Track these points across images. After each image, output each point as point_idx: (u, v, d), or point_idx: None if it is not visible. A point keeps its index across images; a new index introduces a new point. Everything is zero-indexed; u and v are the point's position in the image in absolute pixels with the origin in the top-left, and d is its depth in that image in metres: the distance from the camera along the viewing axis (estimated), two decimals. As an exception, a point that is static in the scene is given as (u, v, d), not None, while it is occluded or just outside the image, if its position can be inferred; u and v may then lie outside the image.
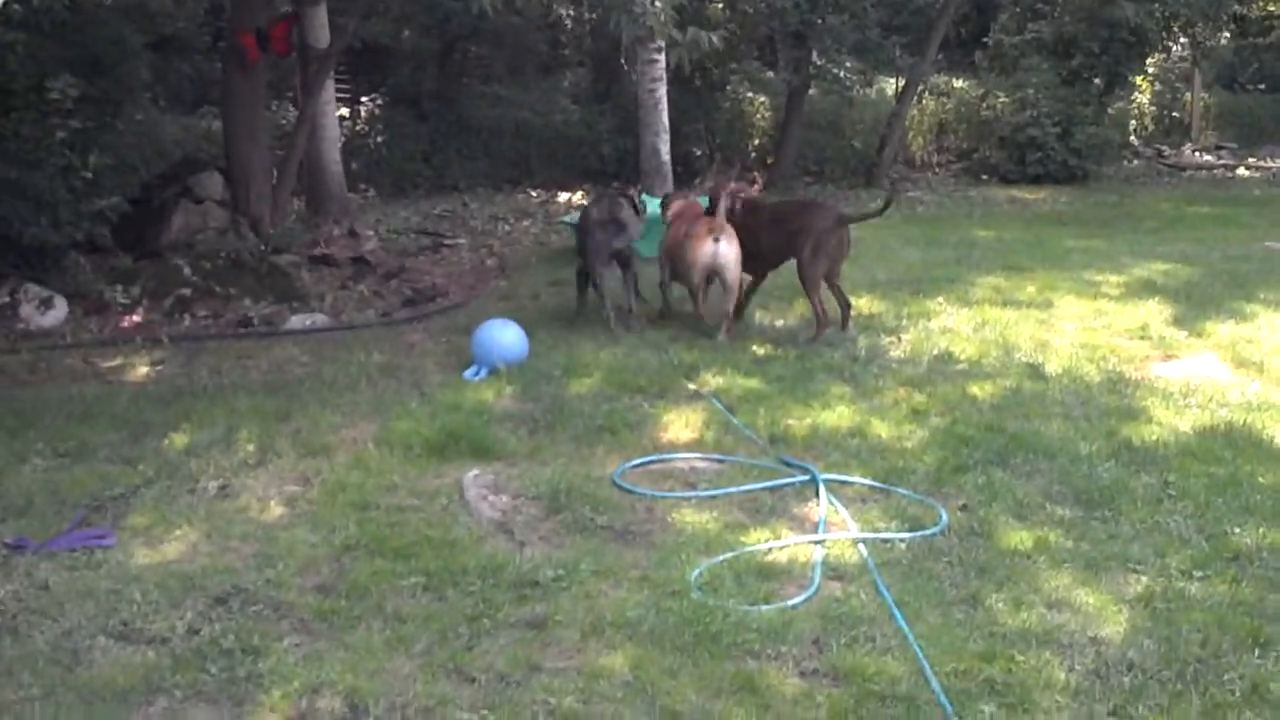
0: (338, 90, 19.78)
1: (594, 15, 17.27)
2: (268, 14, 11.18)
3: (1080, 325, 8.47)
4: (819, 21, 17.42)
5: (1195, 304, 9.02)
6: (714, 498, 5.35)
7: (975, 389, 6.90)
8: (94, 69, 11.18)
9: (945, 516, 5.07)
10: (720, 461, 5.82)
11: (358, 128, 18.60)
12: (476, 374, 7.27)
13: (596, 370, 7.28)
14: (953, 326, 8.37)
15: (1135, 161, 22.01)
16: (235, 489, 5.59)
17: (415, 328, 8.91)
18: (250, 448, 6.07)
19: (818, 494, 5.32)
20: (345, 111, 18.93)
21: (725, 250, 8.07)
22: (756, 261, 8.43)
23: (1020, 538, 4.91)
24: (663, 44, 11.57)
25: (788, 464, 5.72)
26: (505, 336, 7.40)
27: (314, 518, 5.19)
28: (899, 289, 9.63)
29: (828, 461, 5.75)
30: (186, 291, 9.43)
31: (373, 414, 6.58)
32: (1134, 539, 4.95)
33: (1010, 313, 8.76)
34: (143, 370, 7.81)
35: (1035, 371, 7.29)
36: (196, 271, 9.60)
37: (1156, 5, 19.80)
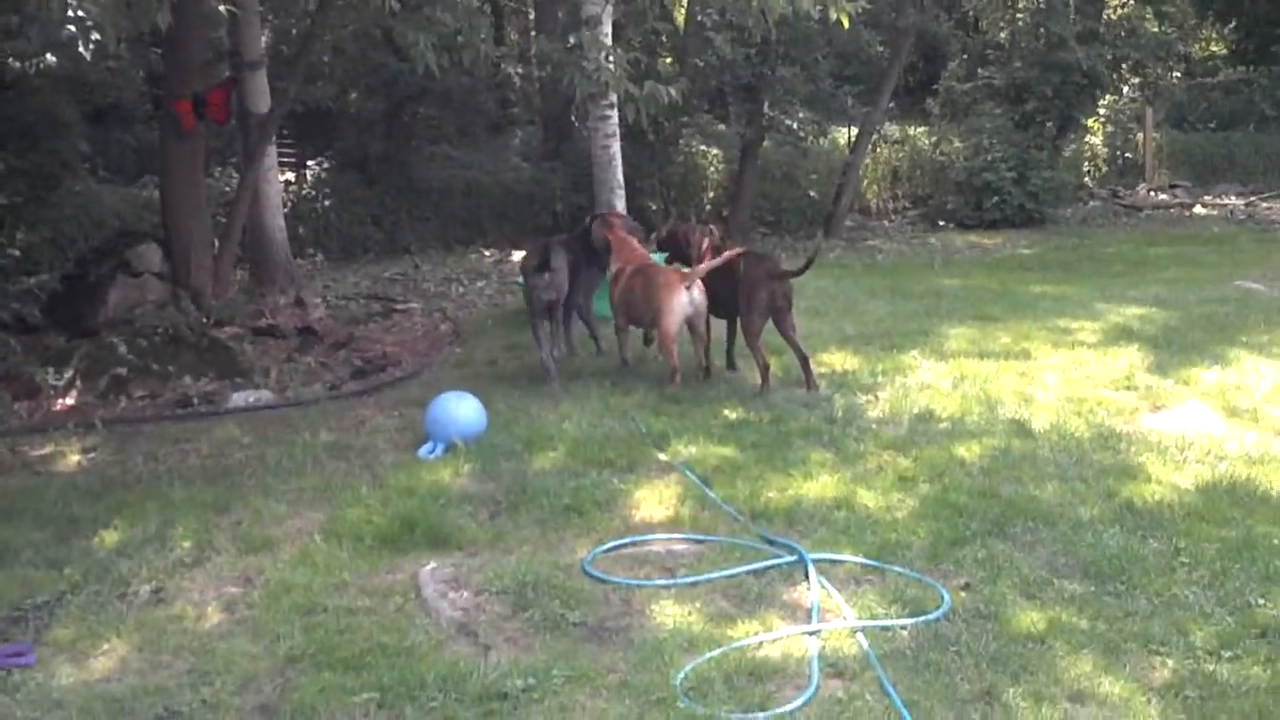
0: (282, 155, 19.37)
1: (543, 73, 16.96)
2: (204, 80, 10.74)
3: (1062, 376, 8.13)
4: (770, 73, 17.23)
5: (1177, 350, 8.72)
6: (695, 584, 4.91)
7: (962, 450, 6.51)
8: (25, 142, 10.77)
9: (948, 598, 4.67)
10: (699, 542, 5.38)
11: (304, 192, 18.16)
12: (432, 451, 6.81)
13: (560, 442, 6.84)
14: (930, 382, 8.00)
15: (1091, 203, 21.94)
16: (170, 593, 5.09)
17: (365, 401, 8.43)
18: (186, 545, 5.57)
19: (807, 576, 4.90)
20: (291, 176, 18.53)
21: (700, 299, 7.99)
22: (717, 307, 8.22)
23: (1031, 619, 4.51)
24: (615, 99, 11.27)
25: (772, 542, 5.30)
26: (461, 410, 6.94)
27: (255, 625, 4.71)
28: (870, 343, 9.28)
29: (815, 538, 5.34)
30: (122, 371, 8.89)
31: (320, 501, 6.10)
32: (1152, 615, 4.56)
33: (988, 365, 8.41)
34: (74, 459, 7.28)
35: (1022, 428, 6.92)
36: (133, 349, 9.07)
37: (1107, 48, 19.79)
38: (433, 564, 5.13)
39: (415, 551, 5.36)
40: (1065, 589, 4.80)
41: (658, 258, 8.95)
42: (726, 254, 8.06)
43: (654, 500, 5.90)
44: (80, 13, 6.71)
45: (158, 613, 4.90)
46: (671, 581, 4.92)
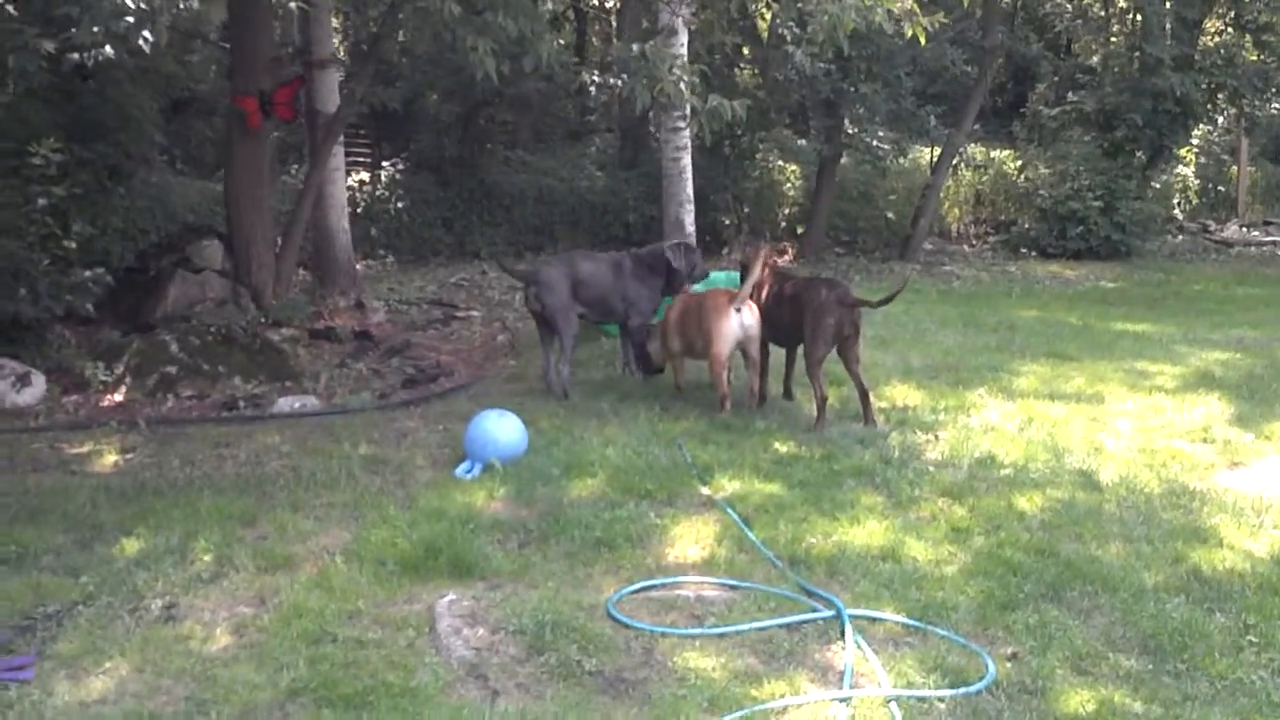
0: (359, 154, 19.46)
1: (619, 82, 16.78)
2: (273, 77, 10.67)
3: (1136, 424, 7.72)
4: (851, 90, 16.87)
5: (1260, 401, 8.27)
6: (723, 636, 4.62)
7: (1023, 501, 6.16)
8: (93, 133, 10.73)
9: (993, 667, 4.34)
10: (732, 588, 5.09)
11: (378, 193, 18.15)
12: (469, 471, 6.60)
13: (600, 469, 6.59)
14: (995, 423, 7.64)
15: (1180, 237, 21.30)
16: (181, 610, 4.92)
17: (411, 412, 8.26)
18: (206, 558, 5.41)
19: (843, 635, 4.59)
20: (365, 176, 18.54)
21: (750, 322, 7.76)
22: (779, 334, 7.96)
23: (1081, 698, 4.17)
24: (686, 112, 11.03)
25: (810, 593, 5.00)
26: (502, 430, 6.73)
27: (262, 651, 4.51)
28: (936, 378, 8.92)
29: (856, 591, 5.02)
30: (172, 369, 8.83)
31: (347, 519, 5.91)
32: (1213, 700, 4.20)
33: (1058, 408, 8.03)
34: (110, 459, 7.18)
35: (1089, 480, 6.55)
36: (184, 348, 9.00)
37: (1202, 76, 19.17)
38: (451, 595, 4.90)
39: (436, 580, 5.14)
40: (1121, 665, 4.45)
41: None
42: (756, 270, 7.76)
43: (690, 538, 5.63)
44: (139, 3, 6.60)
45: (166, 631, 4.73)
46: (698, 631, 4.64)
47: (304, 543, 5.60)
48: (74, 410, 8.42)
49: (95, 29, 6.71)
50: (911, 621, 4.74)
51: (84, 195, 10.01)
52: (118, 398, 8.64)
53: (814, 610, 4.82)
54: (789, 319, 7.79)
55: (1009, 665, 4.42)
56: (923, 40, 7.99)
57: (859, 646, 4.52)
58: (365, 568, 5.23)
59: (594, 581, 5.15)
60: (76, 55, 9.10)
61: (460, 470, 6.62)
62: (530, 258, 17.68)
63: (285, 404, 8.35)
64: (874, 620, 4.76)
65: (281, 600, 4.95)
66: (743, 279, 8.20)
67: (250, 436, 7.64)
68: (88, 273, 8.95)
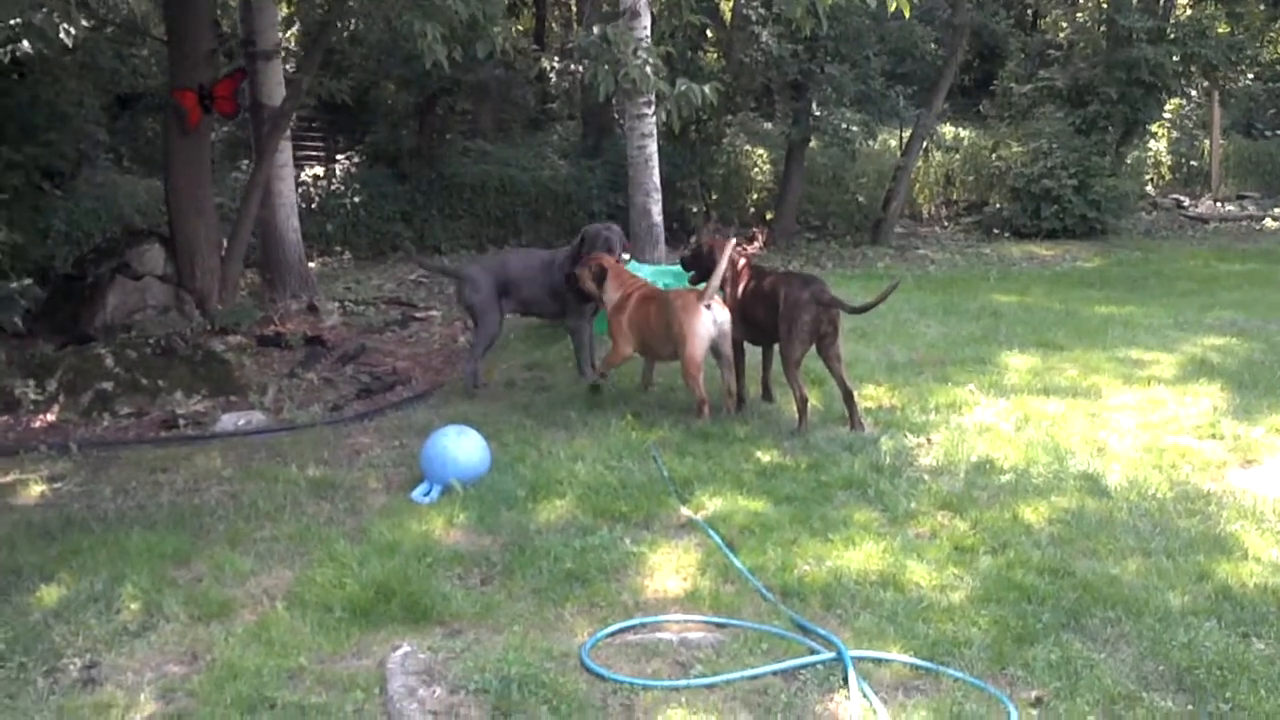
0: (312, 148, 18.83)
1: (581, 68, 16.23)
2: (211, 71, 10.05)
3: (1138, 420, 7.27)
4: (818, 71, 16.41)
5: (1264, 390, 7.84)
6: (712, 687, 4.11)
7: (1028, 512, 5.68)
8: (23, 134, 10.13)
9: (1016, 716, 3.85)
10: (720, 626, 4.58)
11: (333, 187, 17.55)
12: (427, 494, 6.06)
13: (570, 489, 6.06)
14: (990, 423, 7.16)
15: (1155, 213, 20.98)
16: (103, 671, 4.36)
17: (365, 426, 7.70)
18: (134, 607, 4.85)
19: (846, 681, 4.09)
20: (320, 170, 17.93)
21: (722, 319, 7.28)
22: (754, 333, 7.48)
23: (1120, 753, 3.69)
24: (652, 98, 10.50)
25: (806, 630, 4.49)
26: (461, 449, 6.18)
27: (190, 722, 3.97)
28: (921, 373, 8.45)
29: (855, 627, 4.52)
30: (108, 386, 8.24)
31: (291, 556, 5.35)
32: (1265, 747, 3.73)
33: (1054, 404, 7.57)
34: (36, 490, 6.59)
35: (1095, 485, 6.07)
36: (121, 362, 8.41)
37: (1175, 47, 18.80)
38: (405, 646, 4.36)
39: (389, 626, 4.61)
40: (1158, 706, 3.96)
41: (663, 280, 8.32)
42: (723, 262, 7.23)
43: (670, 568, 5.11)
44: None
45: (83, 699, 4.17)
46: (684, 683, 4.12)
47: (242, 585, 5.05)
48: (2, 433, 7.82)
49: (5, 20, 6.15)
50: (922, 662, 4.23)
51: (13, 200, 9.40)
52: (50, 418, 8.06)
53: (812, 652, 4.31)
54: (764, 317, 7.31)
55: (1034, 712, 3.93)
56: (906, 13, 7.50)
57: (864, 695, 4.02)
58: (309, 614, 4.68)
59: (565, 623, 4.63)
60: (-2, 50, 8.59)
61: (417, 493, 6.08)
62: (493, 251, 17.15)
63: (229, 421, 7.78)
64: (879, 662, 4.26)
65: (215, 657, 4.40)
66: (700, 270, 7.69)
67: (190, 459, 7.07)
68: (14, 284, 8.32)
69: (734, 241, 7.54)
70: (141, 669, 4.38)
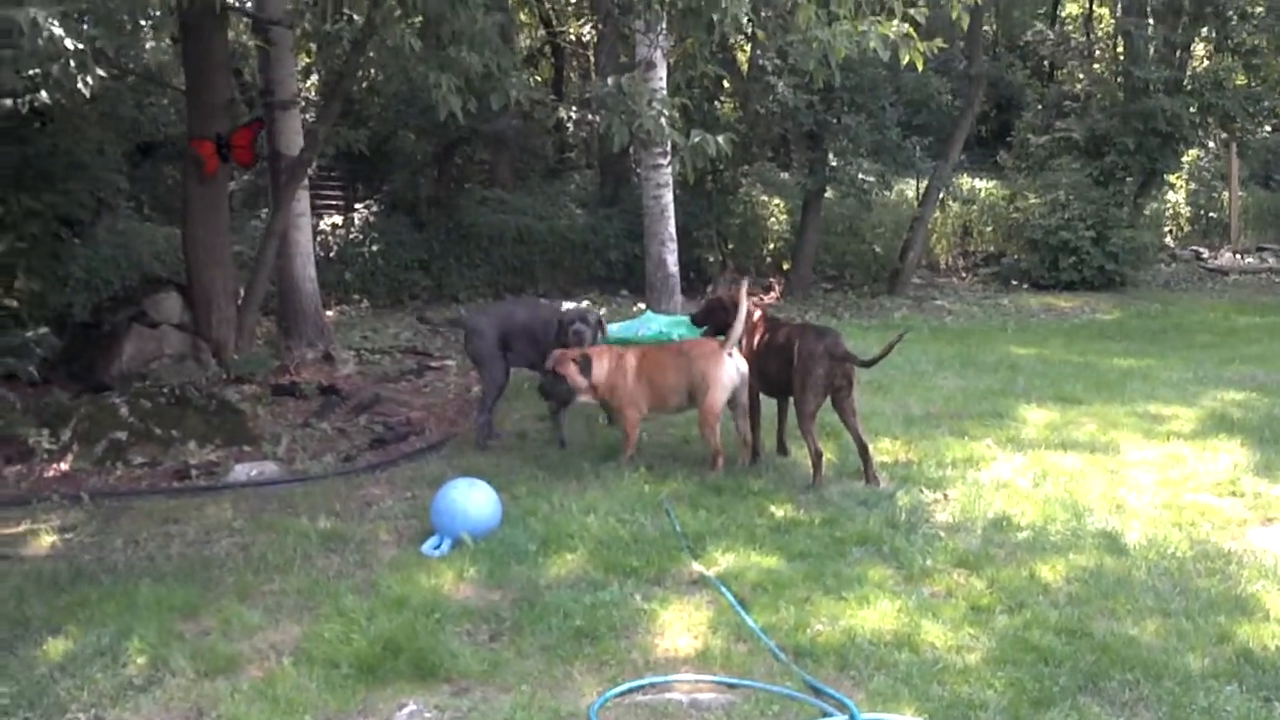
0: (330, 197, 18.93)
1: (598, 118, 16.32)
2: (229, 120, 10.12)
3: (1157, 476, 7.19)
4: (834, 121, 16.45)
5: (1286, 446, 7.76)
6: (722, 749, 4.05)
7: (1045, 570, 5.60)
8: (42, 182, 10.20)
9: (1031, 784, 3.78)
10: (730, 687, 4.51)
11: (351, 236, 17.60)
12: (437, 548, 6.02)
13: (581, 543, 6.00)
14: (1007, 479, 7.09)
15: (1173, 265, 20.91)
16: (107, 728, 4.32)
17: (378, 477, 7.66)
18: (140, 661, 4.80)
19: (859, 745, 4.02)
20: (338, 219, 18.01)
21: (743, 368, 7.33)
22: (768, 385, 7.47)
23: (1139, 823, 3.61)
24: (668, 148, 10.53)
25: (818, 692, 4.42)
26: (472, 502, 6.14)
27: (192, 782, 3.92)
28: (938, 426, 8.39)
29: (870, 689, 4.44)
30: (122, 435, 8.20)
31: (299, 610, 5.31)
32: (1289, 818, 3.64)
33: (1072, 459, 7.49)
34: (47, 540, 6.56)
35: (1114, 543, 5.99)
36: (135, 411, 8.39)
37: (1192, 98, 18.81)
38: (411, 705, 4.31)
39: (396, 683, 4.55)
40: (1178, 774, 3.89)
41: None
42: (743, 309, 7.21)
43: (681, 625, 5.05)
44: (68, 43, 6.06)
45: (85, 756, 4.13)
46: (694, 746, 4.06)
47: (249, 639, 5.00)
48: (15, 482, 7.80)
49: (22, 73, 6.19)
50: (935, 727, 4.17)
51: (31, 248, 9.45)
52: (63, 467, 8.03)
53: (824, 715, 4.24)
54: (777, 370, 7.28)
55: (1051, 780, 3.86)
56: (920, 66, 7.49)
57: (878, 759, 3.94)
58: (315, 671, 4.63)
59: (574, 682, 4.56)
60: (9, 101, 8.65)
61: (428, 547, 6.04)
62: (511, 299, 17.18)
63: (241, 472, 7.75)
64: (893, 726, 4.19)
65: (220, 714, 4.35)
66: (713, 326, 7.67)
67: (201, 510, 7.04)
68: (30, 333, 8.33)
69: (746, 286, 7.51)
70: (146, 726, 4.34)
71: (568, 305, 8.44)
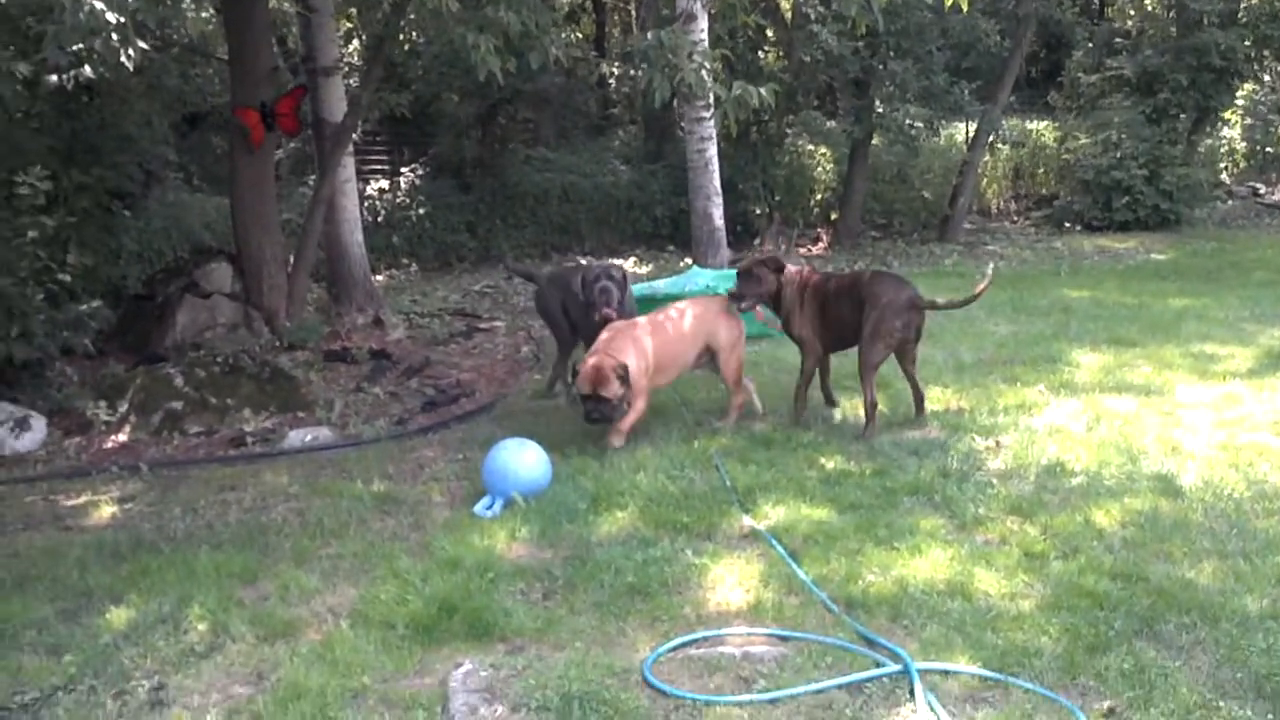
0: (377, 161, 19.00)
1: (639, 73, 16.22)
2: (273, 88, 10.16)
3: (1213, 417, 7.10)
4: (881, 67, 16.24)
5: (1346, 383, 7.62)
6: (775, 702, 4.05)
7: (1100, 515, 5.56)
8: (91, 156, 10.30)
9: (1088, 730, 3.76)
10: (783, 639, 4.52)
11: (398, 200, 17.68)
12: (489, 508, 6.06)
13: (631, 500, 6.02)
14: (1060, 424, 7.03)
15: (1230, 202, 20.50)
16: (170, 692, 4.39)
17: (430, 440, 7.74)
18: (201, 627, 4.89)
19: (913, 694, 4.02)
20: (385, 184, 18.07)
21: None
22: (836, 336, 7.30)
23: (1196, 766, 3.58)
24: (710, 101, 10.45)
25: (871, 643, 4.42)
26: (522, 462, 6.17)
27: (254, 744, 3.99)
28: (990, 373, 8.32)
29: (922, 638, 4.44)
30: (177, 405, 8.34)
31: (356, 573, 5.38)
32: (1351, 758, 3.60)
33: (1126, 402, 7.41)
34: (107, 511, 6.68)
35: (1169, 486, 5.93)
36: (190, 381, 8.52)
37: (1247, 30, 18.37)
38: (467, 664, 4.35)
39: (452, 643, 4.60)
40: (1235, 715, 3.85)
41: None
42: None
43: (733, 580, 5.06)
44: (110, 16, 6.09)
45: (151, 720, 4.22)
46: (747, 698, 4.06)
47: (307, 604, 5.07)
48: (75, 454, 7.94)
49: (65, 48, 6.24)
50: (990, 673, 4.15)
51: (82, 222, 9.56)
52: (121, 438, 8.17)
53: (877, 665, 4.24)
54: (849, 316, 7.13)
55: (1107, 725, 3.84)
56: (964, 8, 7.37)
57: (931, 708, 3.94)
58: (373, 633, 4.69)
59: (627, 638, 4.59)
60: (55, 77, 8.73)
61: (480, 508, 6.08)
62: (556, 259, 17.20)
63: (296, 437, 7.84)
64: (947, 674, 4.18)
65: (280, 678, 4.42)
66: (753, 293, 7.45)
67: (258, 476, 7.14)
68: (84, 307, 8.45)
69: (761, 256, 7.38)
70: (208, 690, 4.41)
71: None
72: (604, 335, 7.05)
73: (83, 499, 6.93)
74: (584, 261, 16.61)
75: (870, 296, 6.97)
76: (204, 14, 14.56)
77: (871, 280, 7.13)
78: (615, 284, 7.62)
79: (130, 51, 6.35)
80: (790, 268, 7.38)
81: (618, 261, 12.41)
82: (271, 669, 4.52)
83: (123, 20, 6.21)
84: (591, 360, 6.78)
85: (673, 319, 7.32)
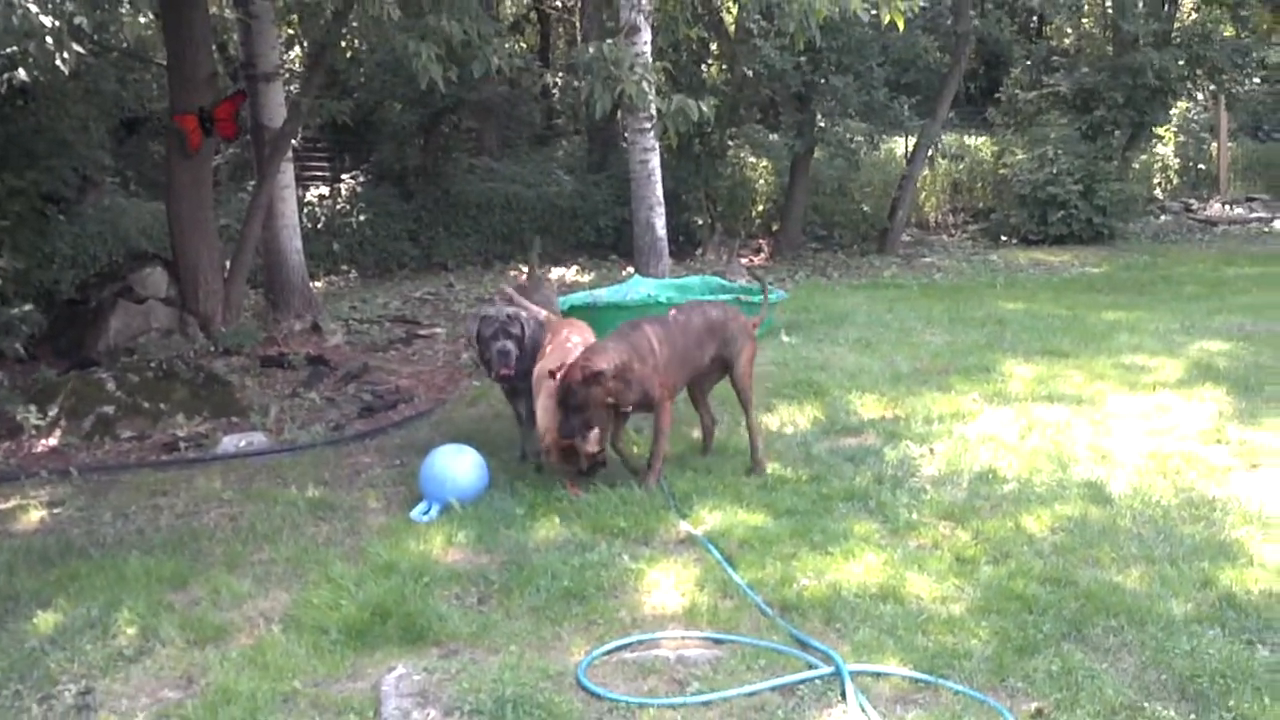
0: (317, 168, 18.86)
1: (583, 84, 16.22)
2: (212, 94, 10.07)
3: (1142, 426, 7.22)
4: (822, 82, 16.37)
5: (1270, 396, 7.80)
6: (709, 704, 4.06)
7: (1030, 521, 5.64)
8: (24, 160, 10.17)
9: (1015, 730, 3.81)
10: (718, 642, 4.54)
11: (339, 207, 17.56)
12: (426, 513, 6.04)
13: (568, 505, 6.02)
14: (993, 432, 7.12)
15: (1163, 217, 20.88)
16: (98, 698, 4.34)
17: (366, 445, 7.69)
18: (130, 632, 4.83)
19: (844, 695, 4.05)
20: (325, 190, 17.95)
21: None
22: None
23: (1120, 764, 3.64)
24: (652, 113, 10.49)
25: (804, 645, 4.45)
26: (459, 467, 6.16)
27: (183, 748, 3.94)
28: (925, 382, 8.41)
29: (855, 641, 4.47)
30: (109, 409, 8.23)
31: (289, 578, 5.33)
32: (1269, 757, 3.68)
33: (1058, 411, 7.52)
34: (36, 516, 6.58)
35: (1098, 493, 6.03)
36: (123, 385, 8.41)
37: (1180, 51, 18.75)
38: (400, 668, 4.33)
39: (385, 648, 4.58)
40: (1160, 716, 3.91)
41: None
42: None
43: (669, 584, 5.07)
44: (44, 20, 6.03)
45: (76, 726, 4.16)
46: (680, 700, 4.07)
47: (239, 608, 5.02)
48: (4, 459, 7.81)
49: (-5, 50, 6.17)
50: (920, 675, 4.19)
51: (15, 226, 9.43)
52: (52, 442, 8.05)
53: (810, 667, 4.27)
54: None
55: (1034, 725, 3.89)
56: (900, 25, 7.46)
57: (862, 709, 3.97)
58: (305, 637, 4.66)
59: (562, 641, 4.59)
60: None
61: (417, 513, 6.06)
62: (500, 268, 17.16)
63: (230, 443, 7.76)
64: (878, 676, 4.22)
65: (210, 682, 4.37)
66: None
67: (190, 481, 7.06)
68: (14, 310, 8.32)
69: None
70: (136, 694, 4.36)
71: (489, 310, 7.20)
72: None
73: (11, 503, 6.82)
74: (523, 276, 16.53)
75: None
76: (142, 18, 14.40)
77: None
78: (514, 341, 6.79)
79: (65, 55, 6.29)
80: None
81: (548, 282, 11.49)
82: (201, 673, 4.47)
83: (58, 24, 6.14)
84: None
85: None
